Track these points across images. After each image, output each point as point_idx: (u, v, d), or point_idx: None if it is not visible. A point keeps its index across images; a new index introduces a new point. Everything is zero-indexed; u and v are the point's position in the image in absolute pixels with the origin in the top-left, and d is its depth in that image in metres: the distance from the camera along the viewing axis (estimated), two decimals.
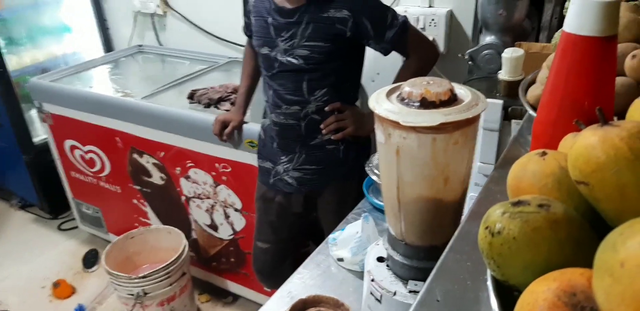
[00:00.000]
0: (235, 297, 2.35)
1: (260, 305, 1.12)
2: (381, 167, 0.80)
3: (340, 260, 1.24)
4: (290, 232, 1.81)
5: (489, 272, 0.38)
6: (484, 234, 0.36)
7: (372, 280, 0.87)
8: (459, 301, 0.40)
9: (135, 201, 2.38)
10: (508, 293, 0.37)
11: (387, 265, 0.90)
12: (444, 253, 0.47)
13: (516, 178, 0.45)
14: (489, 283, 0.37)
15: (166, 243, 2.18)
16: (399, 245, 0.83)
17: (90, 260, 2.61)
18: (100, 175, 2.43)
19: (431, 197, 0.75)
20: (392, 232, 0.84)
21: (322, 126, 1.53)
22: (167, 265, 1.96)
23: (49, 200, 2.88)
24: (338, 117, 1.52)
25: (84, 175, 2.51)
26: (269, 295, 1.35)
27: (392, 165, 0.74)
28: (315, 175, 1.60)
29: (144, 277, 1.91)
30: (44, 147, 2.63)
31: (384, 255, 0.91)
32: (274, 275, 1.84)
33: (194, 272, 2.30)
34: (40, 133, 2.78)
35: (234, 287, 2.29)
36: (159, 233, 2.21)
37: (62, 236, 2.85)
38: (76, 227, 2.81)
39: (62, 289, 2.43)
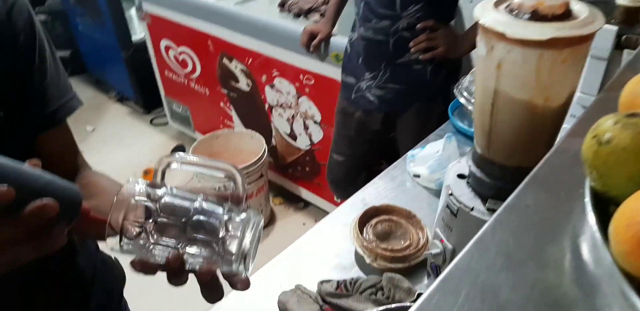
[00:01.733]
0: (307, 204, 2.47)
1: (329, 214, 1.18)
2: (477, 82, 0.78)
3: (417, 176, 1.26)
4: (366, 148, 1.83)
5: (587, 184, 0.37)
6: (590, 143, 0.35)
7: (451, 194, 0.88)
8: (550, 210, 0.40)
9: (222, 104, 2.47)
10: (604, 208, 0.36)
11: (468, 182, 0.89)
12: (537, 166, 0.46)
13: (631, 94, 0.43)
14: (587, 194, 0.37)
15: (248, 146, 2.29)
16: (484, 164, 0.82)
17: None
18: (191, 76, 2.52)
19: (527, 116, 0.73)
20: (478, 150, 0.83)
21: (411, 44, 1.47)
22: (248, 166, 2.06)
23: (144, 96, 3.06)
24: (430, 35, 1.46)
25: (176, 75, 2.61)
26: (339, 205, 1.42)
27: (489, 81, 0.72)
28: (398, 95, 1.58)
29: None
30: (142, 45, 2.74)
31: (466, 173, 0.91)
32: (347, 186, 1.90)
33: (271, 176, 2.42)
34: (138, 31, 2.88)
35: (306, 194, 2.40)
36: (242, 136, 2.31)
37: (154, 130, 3.05)
38: (166, 123, 2.99)
39: (150, 177, 2.63)
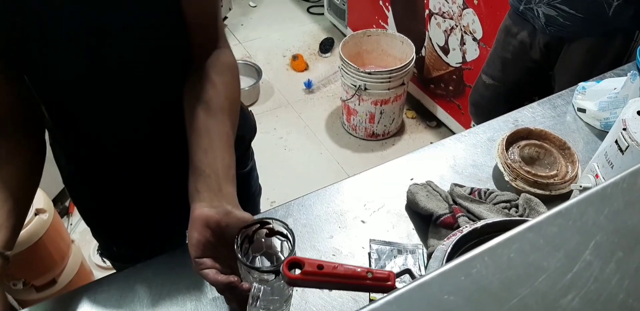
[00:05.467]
0: (439, 124, 2.40)
1: None
2: None
3: (582, 110, 1.14)
4: (520, 77, 1.67)
5: None
6: None
7: (624, 129, 0.79)
8: None
9: (380, 2, 2.37)
10: None
11: None
12: None
13: None
14: None
15: (396, 51, 2.21)
16: None
17: (325, 46, 2.82)
18: None
19: None
20: None
21: None
22: (391, 70, 2.01)
23: None
24: None
25: None
26: None
27: None
28: (569, 22, 1.37)
29: (369, 73, 2.01)
30: None
31: None
32: (487, 112, 1.78)
33: (411, 88, 2.36)
34: None
35: (441, 114, 2.32)
36: (393, 39, 2.23)
37: (309, 18, 3.07)
38: (322, 14, 2.98)
39: (298, 62, 2.72)
